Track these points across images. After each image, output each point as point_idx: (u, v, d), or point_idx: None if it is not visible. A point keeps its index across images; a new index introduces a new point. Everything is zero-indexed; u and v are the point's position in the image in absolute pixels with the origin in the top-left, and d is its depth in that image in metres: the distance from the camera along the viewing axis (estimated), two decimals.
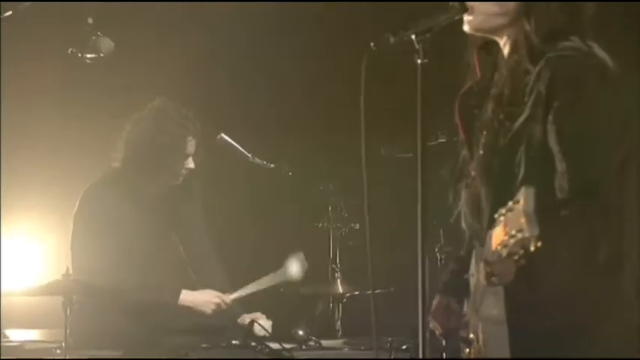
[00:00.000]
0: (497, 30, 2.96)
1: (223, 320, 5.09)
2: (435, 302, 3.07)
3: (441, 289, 3.11)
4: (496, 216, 2.47)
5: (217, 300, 5.04)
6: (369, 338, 4.71)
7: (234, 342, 4.66)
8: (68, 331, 4.21)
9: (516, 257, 2.39)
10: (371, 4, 6.08)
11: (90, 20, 4.39)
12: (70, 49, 4.48)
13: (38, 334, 5.05)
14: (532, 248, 2.37)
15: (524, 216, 2.36)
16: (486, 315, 2.56)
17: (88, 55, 4.46)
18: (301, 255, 5.08)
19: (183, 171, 5.12)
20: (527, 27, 2.88)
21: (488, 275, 2.49)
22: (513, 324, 2.73)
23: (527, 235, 2.36)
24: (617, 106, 2.82)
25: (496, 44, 3.01)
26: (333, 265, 5.19)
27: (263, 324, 4.91)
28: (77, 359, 4.33)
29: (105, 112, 5.81)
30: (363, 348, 4.69)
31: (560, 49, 2.84)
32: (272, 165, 5.14)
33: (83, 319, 4.40)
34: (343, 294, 5.14)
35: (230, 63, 6.08)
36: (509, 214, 2.42)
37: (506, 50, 2.97)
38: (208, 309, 5.02)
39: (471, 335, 2.90)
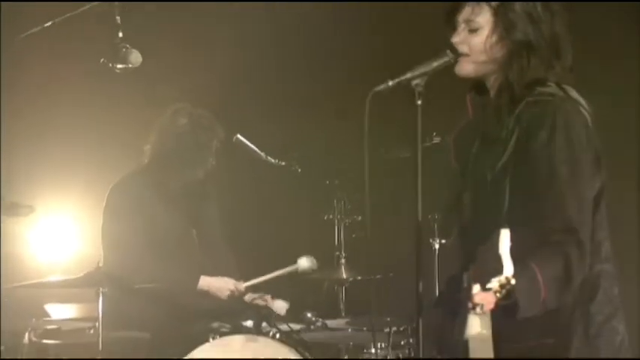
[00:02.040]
0: (486, 75, 3.11)
1: (235, 304, 5.23)
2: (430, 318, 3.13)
3: (436, 304, 3.22)
4: (478, 253, 2.60)
5: (232, 287, 5.19)
6: (369, 318, 4.96)
7: (247, 324, 4.86)
8: (101, 315, 4.42)
9: (494, 292, 2.55)
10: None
11: (120, 34, 4.59)
12: (102, 59, 4.65)
13: (75, 309, 5.22)
14: (508, 286, 2.53)
15: (499, 257, 2.52)
16: (473, 332, 2.61)
17: (118, 66, 4.61)
18: (311, 257, 5.25)
19: (206, 168, 5.28)
20: (510, 75, 3.02)
21: (471, 304, 2.60)
22: (497, 341, 2.76)
23: (502, 275, 2.52)
24: (591, 145, 2.95)
25: (485, 86, 3.14)
26: (338, 253, 5.33)
27: (281, 305, 5.13)
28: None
29: (135, 112, 6.02)
30: (365, 329, 4.85)
31: (538, 94, 2.98)
32: (283, 163, 5.25)
33: (114, 303, 4.52)
34: (347, 279, 5.28)
35: (244, 65, 6.18)
36: (486, 253, 2.56)
37: (492, 93, 3.10)
38: (223, 295, 5.18)
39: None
